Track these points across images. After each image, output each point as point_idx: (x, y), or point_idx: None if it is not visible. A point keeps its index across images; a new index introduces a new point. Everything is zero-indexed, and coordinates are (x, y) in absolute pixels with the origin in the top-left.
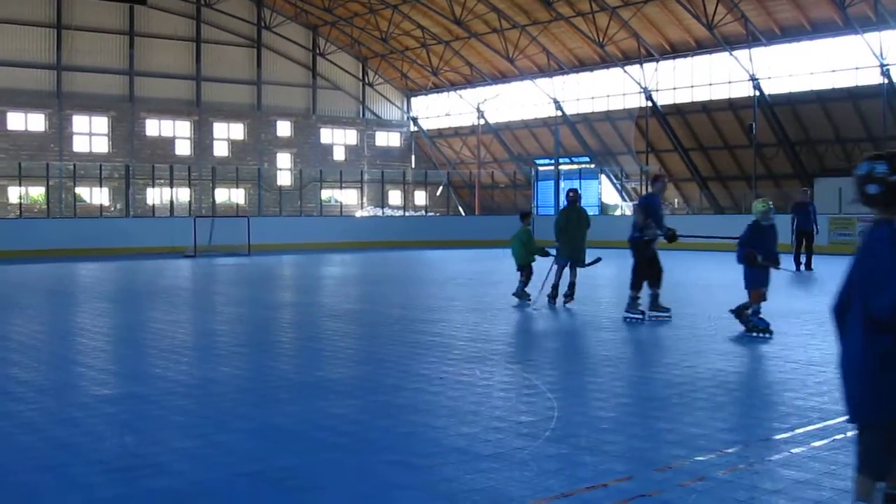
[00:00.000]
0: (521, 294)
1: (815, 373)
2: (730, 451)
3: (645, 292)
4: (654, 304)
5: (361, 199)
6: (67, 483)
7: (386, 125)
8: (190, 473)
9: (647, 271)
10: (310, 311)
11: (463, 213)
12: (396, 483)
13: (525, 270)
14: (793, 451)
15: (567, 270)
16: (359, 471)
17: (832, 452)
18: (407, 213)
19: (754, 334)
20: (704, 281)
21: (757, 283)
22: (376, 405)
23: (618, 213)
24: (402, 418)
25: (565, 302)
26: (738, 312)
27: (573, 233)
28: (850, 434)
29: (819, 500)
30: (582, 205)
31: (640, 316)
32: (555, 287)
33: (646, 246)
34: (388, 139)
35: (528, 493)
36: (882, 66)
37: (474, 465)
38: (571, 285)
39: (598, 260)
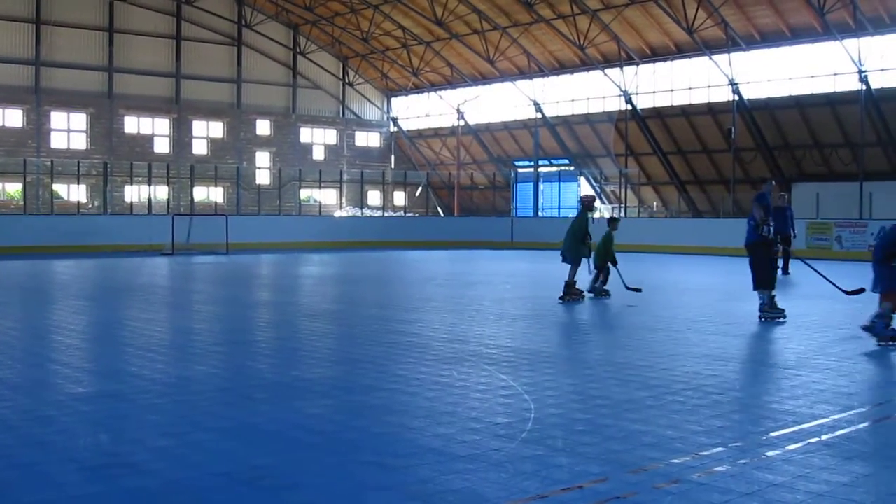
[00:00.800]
0: (600, 292)
1: (790, 376)
2: (704, 453)
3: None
4: (768, 306)
5: (340, 199)
6: (41, 481)
7: (366, 125)
8: (165, 472)
9: (767, 268)
10: (287, 311)
11: (442, 214)
12: (372, 483)
13: (603, 271)
14: (767, 454)
15: (572, 269)
16: (334, 470)
17: (807, 455)
18: (386, 214)
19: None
20: (683, 284)
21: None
22: (352, 405)
23: (596, 215)
24: (377, 419)
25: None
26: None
27: (580, 236)
28: (824, 437)
29: None
30: (578, 210)
31: (781, 315)
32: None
33: (766, 247)
34: (367, 139)
35: (503, 495)
36: (860, 72)
37: (450, 466)
38: (567, 285)
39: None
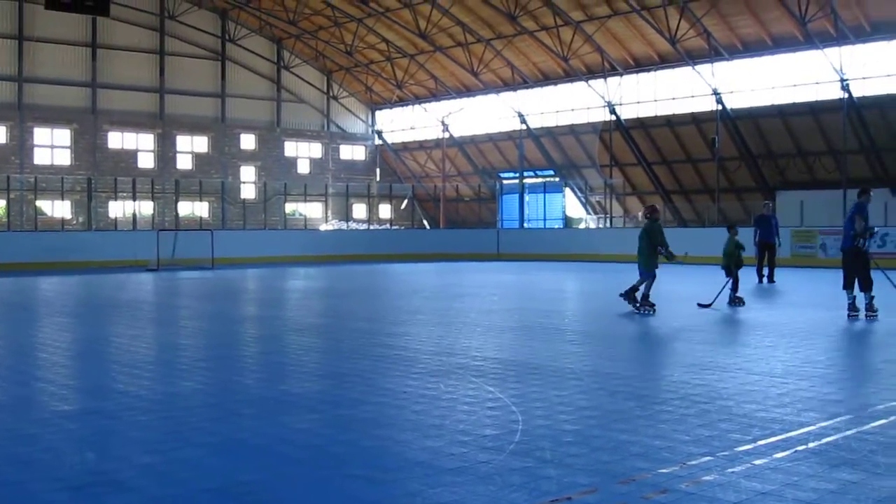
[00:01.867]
0: (734, 300)
1: (778, 384)
2: (693, 463)
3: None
4: (863, 306)
5: (326, 213)
6: (27, 500)
7: (350, 138)
8: (151, 489)
9: (866, 273)
10: (273, 325)
11: (428, 227)
12: (359, 497)
13: (732, 278)
14: (755, 462)
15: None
16: (322, 485)
17: (794, 464)
18: (371, 227)
19: None
20: (669, 293)
21: None
22: (340, 419)
23: (582, 226)
24: (365, 432)
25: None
26: None
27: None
28: (811, 445)
29: None
30: (654, 220)
31: (875, 314)
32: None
33: (863, 254)
34: (352, 152)
35: None
36: (842, 80)
37: (438, 479)
38: (635, 293)
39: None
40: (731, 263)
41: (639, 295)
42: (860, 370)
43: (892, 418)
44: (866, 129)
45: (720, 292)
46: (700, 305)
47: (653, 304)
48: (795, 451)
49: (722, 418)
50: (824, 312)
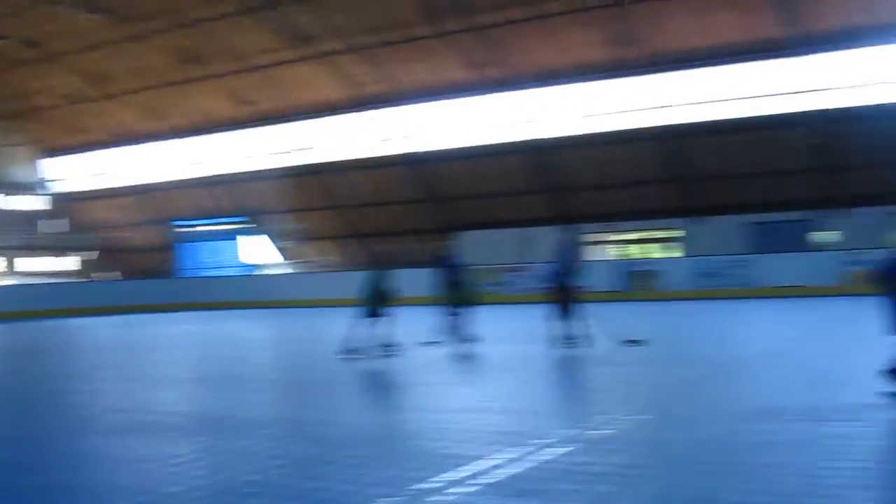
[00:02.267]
0: (463, 337)
1: (461, 420)
2: None
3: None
4: (567, 336)
5: (3, 268)
6: None
7: (26, 188)
8: None
9: (570, 306)
10: None
11: (115, 278)
12: None
13: (458, 315)
14: (438, 498)
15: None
16: None
17: (477, 497)
18: (52, 281)
19: None
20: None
21: None
22: (12, 489)
23: (272, 272)
24: (40, 500)
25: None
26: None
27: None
28: (492, 478)
29: None
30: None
31: (577, 343)
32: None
33: (565, 287)
34: (28, 203)
35: None
36: (523, 123)
37: None
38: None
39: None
40: (458, 299)
41: (352, 342)
42: (543, 401)
43: (571, 447)
44: (544, 171)
45: (443, 329)
46: (422, 344)
47: (390, 345)
48: (478, 485)
49: (407, 458)
50: (514, 346)
